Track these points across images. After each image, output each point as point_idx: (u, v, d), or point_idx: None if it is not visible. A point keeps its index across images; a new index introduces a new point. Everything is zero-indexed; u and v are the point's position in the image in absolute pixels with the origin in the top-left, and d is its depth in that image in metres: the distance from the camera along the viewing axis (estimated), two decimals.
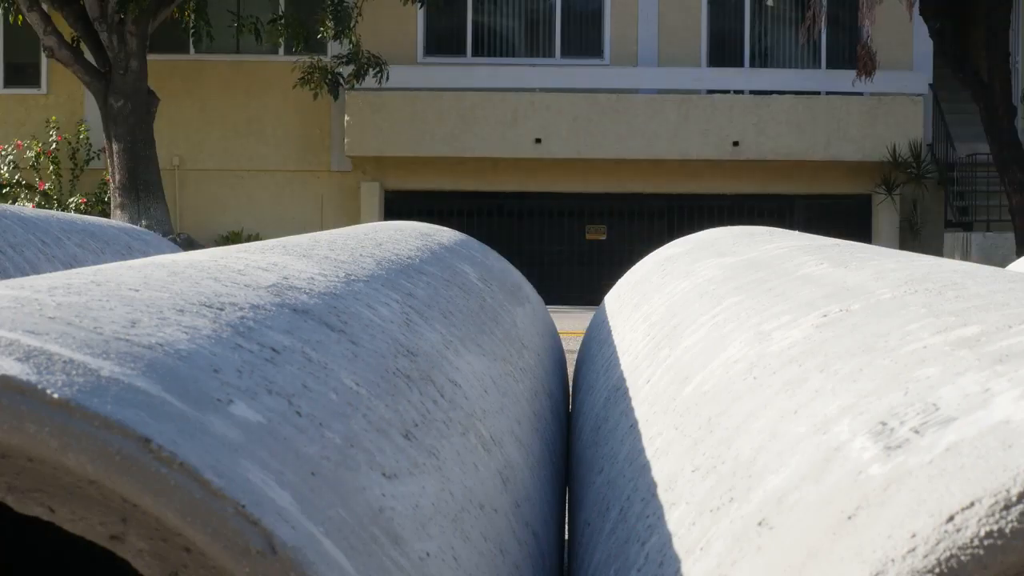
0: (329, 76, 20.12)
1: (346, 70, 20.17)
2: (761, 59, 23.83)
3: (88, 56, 19.04)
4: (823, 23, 18.78)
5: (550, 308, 3.99)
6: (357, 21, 19.72)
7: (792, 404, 1.15)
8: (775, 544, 0.90)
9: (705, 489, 1.15)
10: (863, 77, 18.62)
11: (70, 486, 0.77)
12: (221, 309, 1.14)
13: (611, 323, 3.00)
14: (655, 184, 22.93)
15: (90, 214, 17.99)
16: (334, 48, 21.12)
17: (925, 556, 0.73)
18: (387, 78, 20.37)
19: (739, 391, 1.33)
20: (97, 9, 18.53)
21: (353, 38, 19.70)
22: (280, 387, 1.00)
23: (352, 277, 1.67)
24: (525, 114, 22.28)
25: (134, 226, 4.37)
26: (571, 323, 8.67)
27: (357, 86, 20.28)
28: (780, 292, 1.74)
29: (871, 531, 0.79)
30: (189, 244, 17.14)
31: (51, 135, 22.54)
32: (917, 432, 0.88)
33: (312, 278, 1.52)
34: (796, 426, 1.08)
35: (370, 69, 20.00)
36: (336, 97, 20.56)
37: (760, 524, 0.95)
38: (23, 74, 23.30)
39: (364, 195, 22.79)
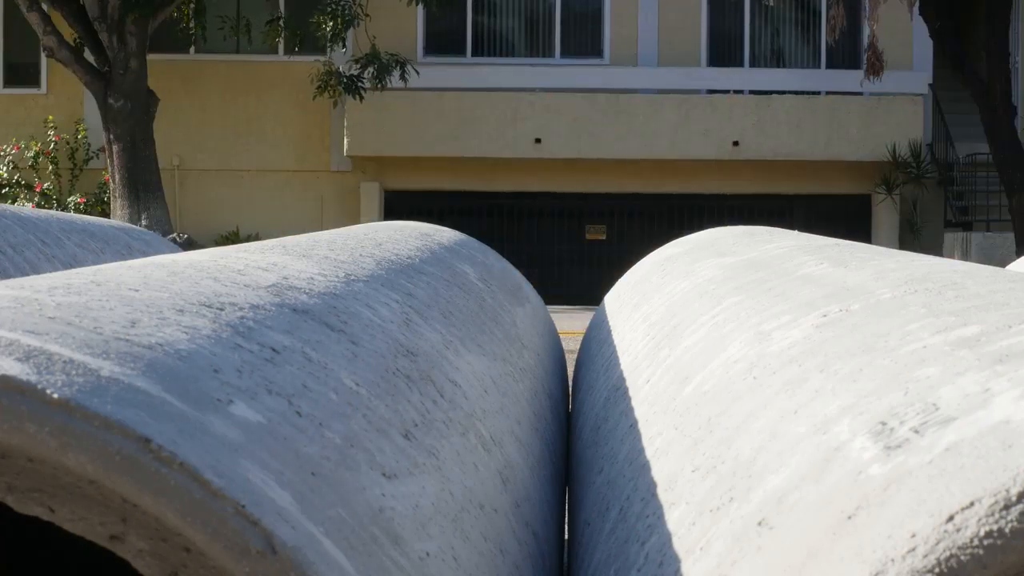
0: (345, 79, 20.07)
1: (368, 71, 20.07)
2: (761, 59, 23.82)
3: (88, 56, 19.03)
4: (843, 23, 18.73)
5: (550, 308, 3.99)
6: (362, 22, 19.69)
7: (792, 404, 1.15)
8: (775, 544, 0.90)
9: (705, 489, 1.15)
10: (871, 77, 18.61)
11: (70, 486, 0.77)
12: (221, 309, 1.14)
13: (611, 323, 3.00)
14: (655, 184, 22.92)
15: (90, 214, 17.97)
16: (340, 50, 21.09)
17: (925, 556, 0.73)
18: (417, 74, 20.33)
19: (739, 391, 1.33)
20: (97, 9, 18.53)
21: (369, 39, 19.68)
22: (280, 387, 1.00)
23: (352, 277, 1.67)
24: (525, 114, 22.27)
25: (134, 226, 4.37)
26: (571, 323, 8.66)
27: (386, 86, 20.15)
28: (780, 292, 1.74)
29: (871, 531, 0.79)
30: (189, 244, 17.13)
31: (50, 135, 22.53)
32: (917, 432, 0.88)
33: (312, 278, 1.52)
34: (796, 426, 1.08)
35: (392, 69, 19.91)
36: (361, 98, 20.45)
37: (760, 524, 0.95)
38: (23, 74, 23.28)
39: (364, 195, 22.78)
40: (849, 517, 0.82)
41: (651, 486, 1.34)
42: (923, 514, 0.76)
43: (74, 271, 1.29)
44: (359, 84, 20.12)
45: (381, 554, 0.89)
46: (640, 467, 1.47)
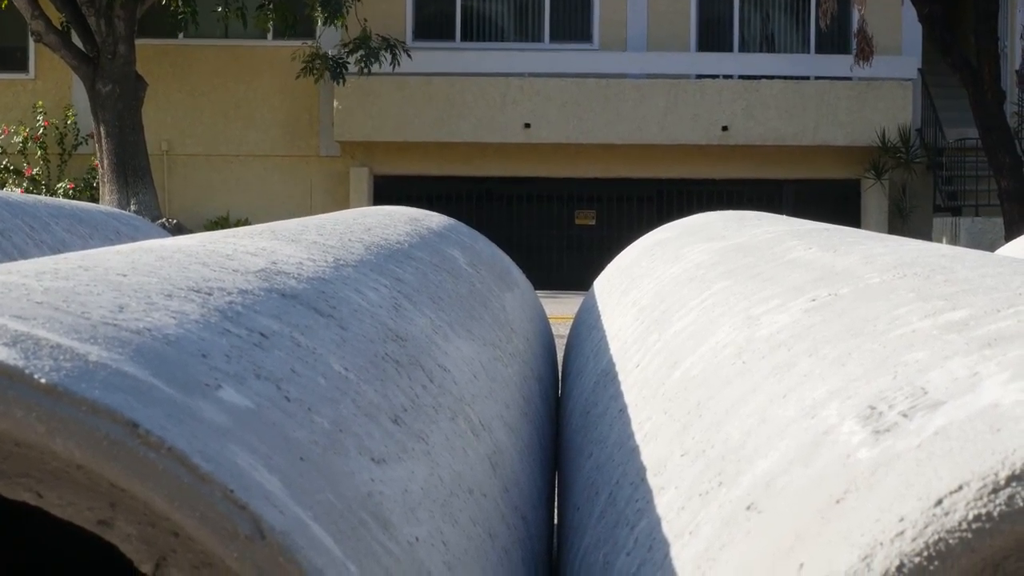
0: (331, 63, 20.09)
1: (354, 57, 20.10)
2: (751, 44, 23.82)
3: (76, 41, 18.98)
4: (835, 7, 18.73)
5: (539, 293, 3.99)
6: (351, 7, 19.68)
7: (781, 388, 1.15)
8: (764, 528, 0.90)
9: (694, 473, 1.15)
10: (861, 62, 18.64)
11: (58, 471, 0.77)
12: (209, 294, 1.14)
13: (600, 308, 3.00)
14: (644, 169, 22.92)
15: (78, 199, 17.94)
16: (331, 33, 21.05)
17: (913, 539, 0.74)
18: (410, 58, 20.44)
19: (728, 375, 1.33)
20: None
21: (360, 23, 19.72)
22: (269, 372, 1.00)
23: (341, 262, 1.67)
24: (514, 99, 22.25)
25: (122, 211, 4.36)
26: (560, 308, 8.67)
27: (371, 71, 20.23)
28: (769, 277, 1.74)
29: (859, 515, 0.79)
30: (178, 229, 17.11)
31: (38, 120, 22.47)
32: (905, 416, 0.88)
33: (301, 263, 1.52)
34: (785, 410, 1.08)
35: (382, 53, 19.97)
36: (343, 83, 20.53)
37: (749, 508, 0.95)
38: (10, 59, 23.21)
39: (353, 180, 22.76)
40: (837, 501, 0.83)
41: (640, 470, 1.35)
42: (911, 498, 0.76)
43: (62, 256, 1.29)
44: (343, 69, 20.14)
45: (370, 538, 0.89)
46: (629, 451, 1.47)
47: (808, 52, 23.57)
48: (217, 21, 21.35)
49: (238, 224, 21.01)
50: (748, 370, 1.29)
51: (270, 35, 22.40)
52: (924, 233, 21.16)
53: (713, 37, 23.58)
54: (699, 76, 22.98)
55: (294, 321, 1.19)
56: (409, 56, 20.54)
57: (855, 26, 19.89)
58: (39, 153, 22.47)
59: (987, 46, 18.30)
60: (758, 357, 1.31)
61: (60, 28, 18.97)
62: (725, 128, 22.24)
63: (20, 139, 22.44)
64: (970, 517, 0.73)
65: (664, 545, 1.07)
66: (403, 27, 23.07)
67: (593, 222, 23.30)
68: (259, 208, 22.04)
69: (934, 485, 0.76)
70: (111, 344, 0.87)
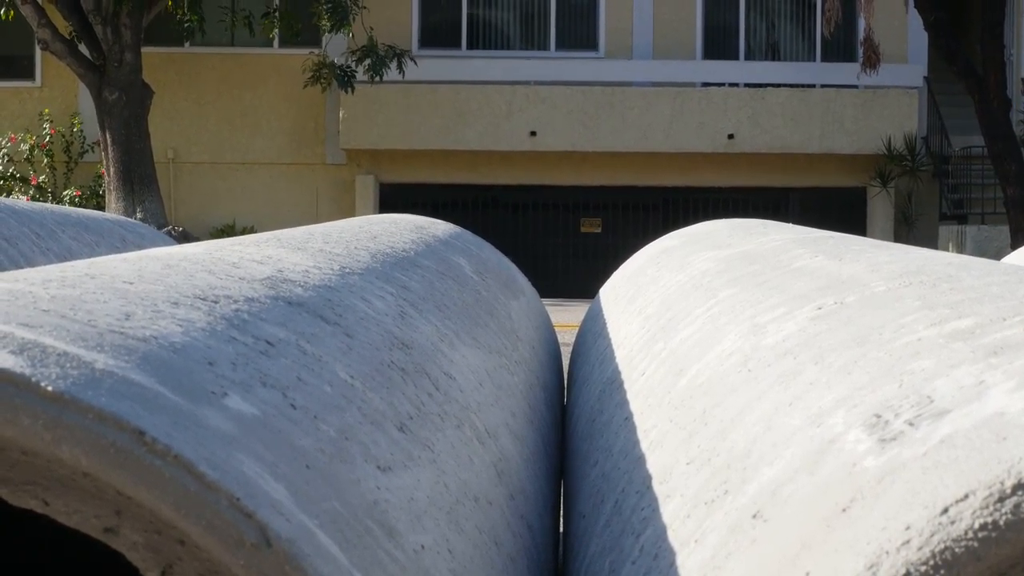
0: (339, 71, 20.09)
1: (362, 66, 20.09)
2: (756, 52, 23.82)
3: (83, 49, 19.01)
4: (840, 16, 18.77)
5: (545, 301, 3.99)
6: (357, 15, 19.69)
7: (787, 396, 1.15)
8: (769, 536, 0.90)
9: (700, 481, 1.15)
10: (868, 70, 18.66)
11: (64, 479, 0.77)
12: (216, 302, 1.14)
13: (606, 316, 3.00)
14: (650, 177, 22.92)
15: (85, 207, 17.95)
16: (336, 42, 21.06)
17: (919, 548, 0.73)
18: (416, 64, 20.42)
19: (734, 383, 1.33)
20: (91, 2, 18.50)
21: (366, 31, 19.72)
22: (275, 380, 1.00)
23: (347, 270, 1.67)
24: (520, 107, 22.26)
25: (128, 219, 4.37)
26: (566, 316, 8.67)
27: (382, 79, 20.20)
28: (775, 285, 1.74)
29: (865, 523, 0.79)
30: (184, 237, 17.11)
31: (45, 128, 22.50)
32: (911, 424, 0.88)
33: (307, 271, 1.52)
34: (790, 418, 1.08)
35: (388, 61, 19.94)
36: (352, 91, 20.49)
37: (754, 516, 0.95)
38: (17, 67, 23.24)
39: (359, 188, 22.77)
40: (843, 509, 0.82)
41: (646, 479, 1.35)
42: (917, 506, 0.76)
43: (68, 264, 1.29)
44: (351, 77, 20.13)
45: (376, 547, 0.89)
46: (635, 460, 1.47)
47: (814, 60, 23.56)
48: (224, 29, 21.41)
49: (244, 232, 21.03)
50: (754, 378, 1.29)
51: (276, 43, 22.43)
52: (930, 241, 21.14)
53: (719, 45, 23.58)
54: (705, 84, 22.98)
55: (300, 329, 1.19)
56: (415, 64, 20.54)
57: (861, 34, 19.89)
58: (45, 161, 22.50)
59: (993, 54, 18.29)
60: (764, 365, 1.31)
61: (67, 36, 19.00)
62: (731, 136, 22.24)
63: (27, 147, 22.47)
64: (976, 526, 0.73)
65: (670, 553, 1.07)
66: (409, 35, 23.09)
67: (599, 230, 23.29)
68: (265, 216, 22.05)
69: (940, 494, 0.76)
70: (117, 352, 0.87)
